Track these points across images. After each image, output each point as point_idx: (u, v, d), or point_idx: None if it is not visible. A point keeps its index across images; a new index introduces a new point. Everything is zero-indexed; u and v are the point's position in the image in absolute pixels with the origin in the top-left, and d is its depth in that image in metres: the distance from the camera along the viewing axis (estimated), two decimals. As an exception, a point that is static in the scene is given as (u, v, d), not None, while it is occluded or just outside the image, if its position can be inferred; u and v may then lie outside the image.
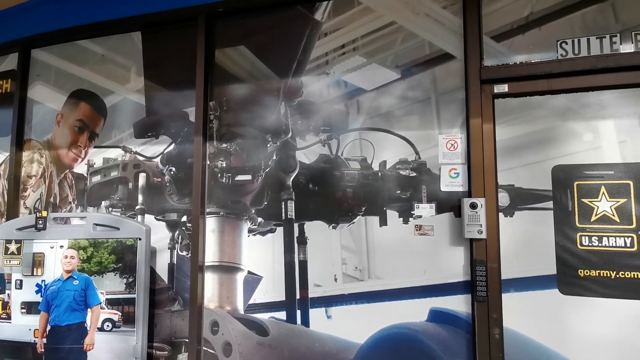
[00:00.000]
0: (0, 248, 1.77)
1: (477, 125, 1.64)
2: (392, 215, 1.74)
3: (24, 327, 1.74)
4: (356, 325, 1.74)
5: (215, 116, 2.07)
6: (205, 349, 1.96)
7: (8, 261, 1.77)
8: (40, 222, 1.76)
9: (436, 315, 1.63)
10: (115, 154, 2.26)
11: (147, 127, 2.21)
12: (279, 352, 1.84)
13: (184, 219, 2.09)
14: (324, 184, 1.86)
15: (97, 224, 1.78)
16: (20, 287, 1.75)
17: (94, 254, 1.76)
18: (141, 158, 2.20)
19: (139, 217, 2.13)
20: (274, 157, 1.95)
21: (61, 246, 1.77)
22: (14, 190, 2.41)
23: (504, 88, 1.69)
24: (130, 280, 1.76)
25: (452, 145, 1.67)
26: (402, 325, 1.66)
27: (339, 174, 1.84)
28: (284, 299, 1.87)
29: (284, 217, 1.90)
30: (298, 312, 1.84)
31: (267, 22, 2.04)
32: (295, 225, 1.89)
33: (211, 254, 2.01)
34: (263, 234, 1.94)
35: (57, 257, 1.76)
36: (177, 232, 2.09)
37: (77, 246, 1.77)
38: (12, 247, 1.77)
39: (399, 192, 1.74)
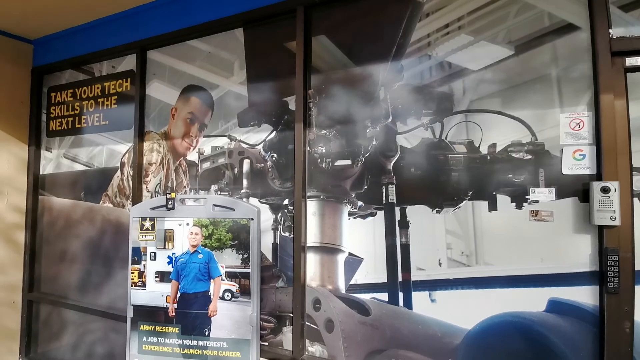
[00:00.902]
0: (137, 224, 2.05)
1: (609, 102, 1.49)
2: (502, 200, 1.67)
3: (157, 293, 2.01)
4: (463, 311, 1.72)
5: (314, 104, 2.15)
6: (308, 324, 2.08)
7: (143, 236, 2.04)
8: (170, 202, 2.00)
9: (556, 306, 1.54)
10: (222, 142, 2.47)
11: (250, 117, 2.37)
12: (381, 332, 1.89)
13: (286, 202, 2.22)
14: (426, 168, 1.84)
15: (215, 205, 1.97)
16: (154, 259, 2.01)
17: (214, 232, 1.96)
18: (245, 146, 2.38)
19: (244, 200, 2.31)
20: (374, 142, 1.97)
21: (187, 224, 2.00)
22: (137, 176, 2.76)
23: (636, 61, 1.52)
24: (245, 256, 1.93)
25: (577, 124, 1.54)
26: (516, 314, 1.60)
27: (442, 158, 1.80)
28: (385, 280, 1.91)
29: (384, 201, 1.93)
30: (400, 295, 1.87)
31: (365, 8, 2.05)
32: (397, 209, 1.90)
33: (312, 236, 2.11)
34: (364, 217, 1.99)
35: (184, 233, 1.99)
36: (280, 214, 2.23)
37: (200, 224, 1.98)
38: (147, 223, 2.04)
39: (511, 175, 1.66)
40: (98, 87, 3.09)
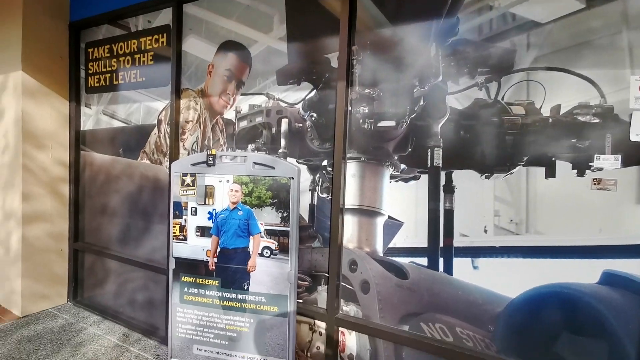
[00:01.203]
0: (178, 180, 2.07)
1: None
2: (562, 166, 1.57)
3: (198, 247, 2.06)
4: (507, 279, 1.68)
5: (358, 61, 2.05)
6: (343, 284, 2.10)
7: (184, 191, 2.06)
8: (211, 159, 2.00)
9: (611, 279, 1.47)
10: (260, 100, 2.42)
11: (289, 74, 2.29)
12: (418, 296, 1.88)
13: (325, 163, 2.18)
14: (478, 131, 1.74)
15: (256, 163, 1.96)
16: (195, 214, 2.04)
17: (254, 189, 1.96)
18: (283, 104, 2.32)
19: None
20: (421, 103, 1.87)
21: (227, 180, 2.00)
22: (174, 134, 2.78)
23: None
24: (285, 215, 1.93)
25: (653, 86, 1.40)
26: (565, 285, 1.54)
27: (497, 120, 1.69)
28: (425, 245, 1.88)
29: (429, 165, 1.86)
30: (441, 260, 1.84)
31: (418, -46, 1.88)
32: (442, 173, 1.83)
33: (351, 198, 2.08)
34: (406, 180, 1.94)
35: (224, 190, 2.00)
36: (318, 175, 2.20)
37: (240, 181, 1.98)
38: (188, 179, 2.06)
39: (574, 140, 1.54)
40: (134, 43, 3.07)
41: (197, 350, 2.06)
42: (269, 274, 1.95)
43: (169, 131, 2.86)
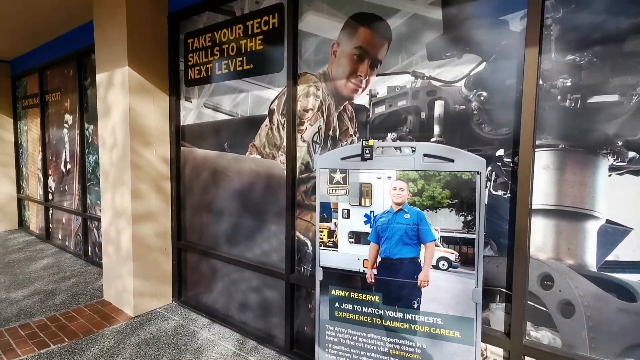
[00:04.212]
0: (325, 177, 1.76)
1: None
2: None
3: (352, 256, 1.74)
4: None
5: (555, 19, 1.59)
6: (532, 303, 1.69)
7: (334, 190, 1.75)
8: (367, 151, 1.66)
9: None
10: (403, 81, 2.04)
11: (446, 46, 1.89)
12: (659, 326, 1.42)
13: (500, 152, 1.76)
14: None
15: (427, 155, 1.59)
16: (348, 217, 1.73)
17: (425, 187, 1.59)
18: (437, 83, 1.93)
19: (436, 150, 1.90)
20: (666, 67, 1.38)
21: (389, 177, 1.66)
22: (292, 125, 2.50)
23: None
24: (469, 218, 1.55)
25: None
26: None
27: None
28: (671, 260, 1.40)
29: (681, 151, 1.37)
30: (701, 281, 1.35)
31: None
32: None
33: (543, 196, 1.65)
34: (636, 173, 1.46)
35: (385, 188, 1.66)
36: (490, 168, 1.79)
37: (406, 178, 1.63)
38: (337, 176, 1.75)
39: None
40: (240, 28, 2.83)
41: (351, 375, 1.76)
42: (448, 290, 1.58)
43: (283, 122, 2.59)
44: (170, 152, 3.41)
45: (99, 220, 4.40)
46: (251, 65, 2.78)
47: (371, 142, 1.68)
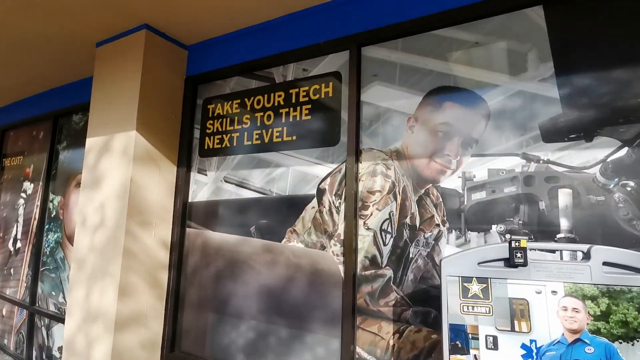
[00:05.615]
0: (456, 288, 1.29)
1: None
2: None
3: (503, 406, 1.20)
4: None
5: None
6: None
7: (470, 308, 1.27)
8: (519, 254, 1.24)
9: None
10: (509, 164, 1.73)
11: (567, 127, 1.63)
12: None
13: (664, 256, 1.41)
14: None
15: (608, 263, 1.19)
16: (495, 347, 1.23)
17: (611, 309, 1.16)
18: (559, 169, 1.62)
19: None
20: None
21: (553, 292, 1.22)
22: (353, 209, 2.05)
23: None
24: (689, 356, 1.11)
25: None
26: None
27: None
28: None
29: None
30: None
31: None
32: None
33: None
34: None
35: (550, 307, 1.21)
36: (652, 276, 1.41)
37: (581, 294, 1.19)
38: (475, 287, 1.28)
39: None
40: (280, 95, 2.49)
41: None
42: None
43: (338, 204, 2.14)
44: (173, 235, 2.75)
45: (50, 317, 3.41)
46: (294, 137, 2.39)
47: (523, 242, 1.26)
